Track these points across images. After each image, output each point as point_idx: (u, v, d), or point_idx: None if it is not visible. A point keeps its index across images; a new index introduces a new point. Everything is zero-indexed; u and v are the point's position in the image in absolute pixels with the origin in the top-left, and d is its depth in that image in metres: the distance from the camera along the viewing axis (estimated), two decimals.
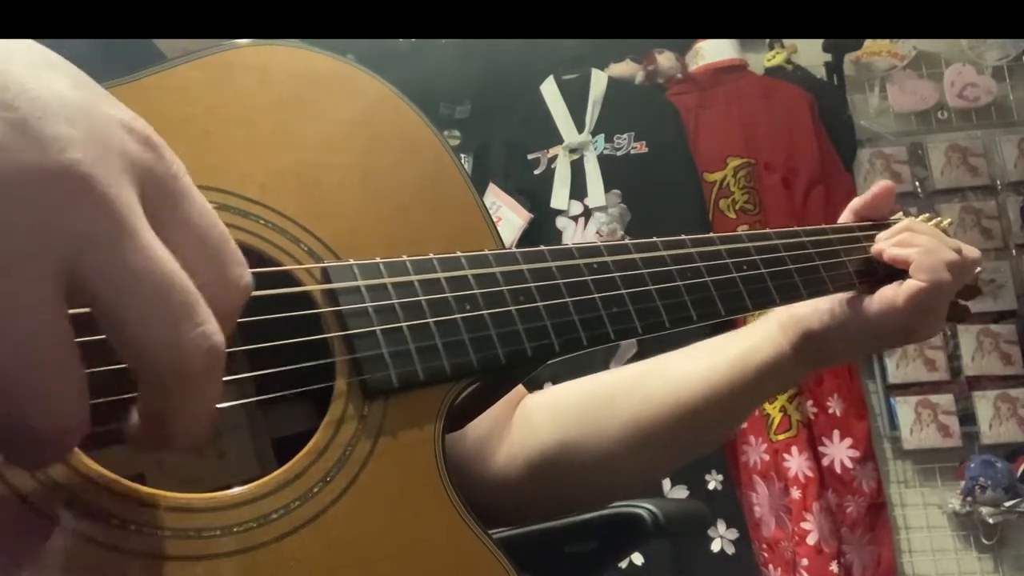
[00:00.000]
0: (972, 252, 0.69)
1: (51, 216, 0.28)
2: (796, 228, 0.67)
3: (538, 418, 0.70)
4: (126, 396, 0.44)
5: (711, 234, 0.62)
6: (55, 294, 0.28)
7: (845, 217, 0.74)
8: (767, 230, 0.66)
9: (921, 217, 0.75)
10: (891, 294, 0.65)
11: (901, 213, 0.75)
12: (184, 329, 0.30)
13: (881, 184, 0.74)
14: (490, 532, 0.46)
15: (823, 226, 0.69)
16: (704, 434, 0.71)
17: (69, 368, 0.29)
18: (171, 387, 0.31)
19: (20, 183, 0.27)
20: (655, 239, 0.59)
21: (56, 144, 0.28)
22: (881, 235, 0.70)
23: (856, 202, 0.74)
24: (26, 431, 0.29)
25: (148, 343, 0.30)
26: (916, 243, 0.66)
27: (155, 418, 0.32)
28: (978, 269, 0.70)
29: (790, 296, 0.64)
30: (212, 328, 0.31)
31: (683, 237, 0.61)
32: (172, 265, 0.30)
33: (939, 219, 0.75)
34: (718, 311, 0.59)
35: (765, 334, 0.68)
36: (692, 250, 0.60)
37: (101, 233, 0.29)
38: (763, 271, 0.63)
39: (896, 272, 0.67)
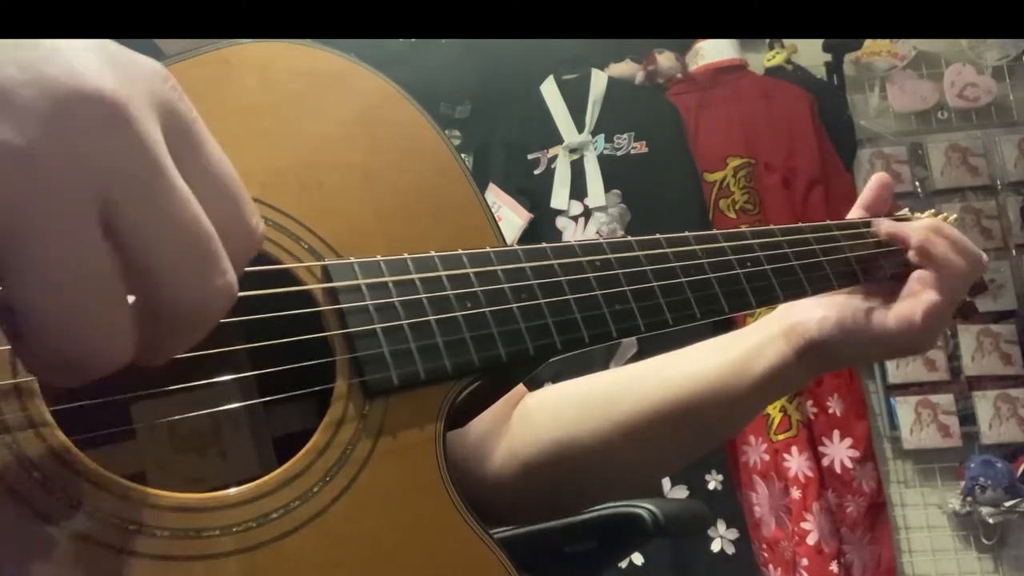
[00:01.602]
0: (979, 255, 0.69)
1: (90, 143, 0.28)
2: (800, 224, 0.67)
3: (537, 417, 0.70)
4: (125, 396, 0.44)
5: (714, 231, 0.62)
6: (93, 221, 0.28)
7: (855, 213, 0.74)
8: (771, 226, 0.65)
9: (926, 213, 0.75)
10: (908, 312, 0.64)
11: (907, 210, 0.75)
12: (209, 277, 0.31)
13: (875, 178, 0.74)
14: (491, 532, 0.46)
15: (827, 222, 0.69)
16: (702, 437, 0.70)
17: (113, 294, 0.29)
18: (185, 325, 0.31)
19: (58, 109, 0.27)
20: (658, 236, 0.59)
21: (89, 72, 0.28)
22: (906, 224, 0.69)
23: (861, 199, 0.74)
24: (69, 357, 0.29)
25: (175, 288, 0.30)
26: (941, 254, 0.66)
27: (152, 341, 0.32)
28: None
29: (794, 292, 0.63)
30: (232, 276, 0.32)
31: (686, 234, 0.60)
32: (199, 209, 0.30)
33: (944, 215, 0.74)
34: (722, 308, 0.59)
35: (768, 339, 0.67)
36: (695, 247, 0.60)
37: (134, 169, 0.29)
38: (767, 267, 0.62)
39: (902, 269, 0.67)
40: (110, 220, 0.28)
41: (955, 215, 0.76)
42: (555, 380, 0.74)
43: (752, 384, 0.66)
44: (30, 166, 0.27)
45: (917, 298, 0.65)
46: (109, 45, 0.30)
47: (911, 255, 0.67)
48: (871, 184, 0.74)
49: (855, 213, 0.74)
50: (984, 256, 0.68)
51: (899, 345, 0.65)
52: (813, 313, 0.66)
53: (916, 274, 0.66)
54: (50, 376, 0.31)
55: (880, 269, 0.68)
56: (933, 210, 0.76)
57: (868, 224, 0.71)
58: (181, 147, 0.31)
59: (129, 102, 0.29)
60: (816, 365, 0.67)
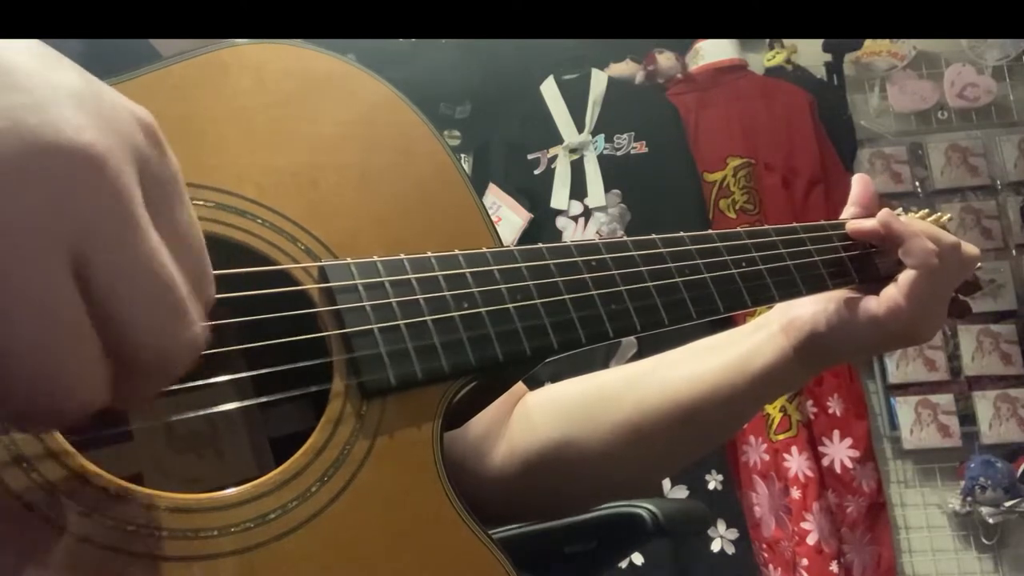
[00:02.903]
0: (970, 248, 0.69)
1: (64, 195, 0.28)
2: (794, 224, 0.67)
3: (537, 416, 0.70)
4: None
5: (710, 231, 0.62)
6: (65, 272, 0.28)
7: (848, 212, 0.74)
8: (766, 227, 0.66)
9: (920, 213, 0.75)
10: (892, 293, 0.65)
11: (900, 209, 0.75)
12: (177, 329, 0.31)
13: (856, 177, 0.73)
14: (490, 532, 0.46)
15: (821, 222, 0.69)
16: (702, 436, 0.70)
17: (86, 343, 0.29)
18: (151, 374, 0.31)
19: (36, 161, 0.28)
20: (654, 236, 0.59)
21: (71, 126, 0.28)
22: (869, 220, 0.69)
23: (852, 197, 0.74)
24: (42, 407, 0.29)
25: (142, 339, 0.30)
26: (904, 228, 0.65)
27: (119, 387, 0.32)
28: (978, 266, 0.70)
29: (789, 292, 0.64)
30: (199, 328, 0.32)
31: (682, 235, 0.60)
32: (171, 263, 0.31)
33: (938, 215, 0.75)
34: (717, 308, 0.59)
35: (767, 336, 0.68)
36: (691, 247, 0.60)
37: (108, 221, 0.29)
38: (762, 267, 0.63)
39: (896, 268, 0.67)
40: (80, 270, 0.29)
41: (948, 215, 0.76)
42: (554, 380, 0.74)
43: (752, 382, 0.66)
44: (2, 214, 0.27)
45: (899, 281, 0.65)
46: (97, 92, 0.30)
47: (899, 252, 0.67)
48: (855, 185, 0.73)
49: (849, 211, 0.74)
50: (968, 246, 0.68)
51: (891, 330, 0.65)
52: (809, 308, 0.67)
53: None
54: (21, 422, 0.31)
55: (874, 268, 0.68)
56: (927, 210, 0.76)
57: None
58: (158, 201, 0.31)
59: (107, 155, 0.29)
60: (815, 360, 0.67)
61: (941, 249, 0.65)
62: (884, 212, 0.68)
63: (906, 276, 0.65)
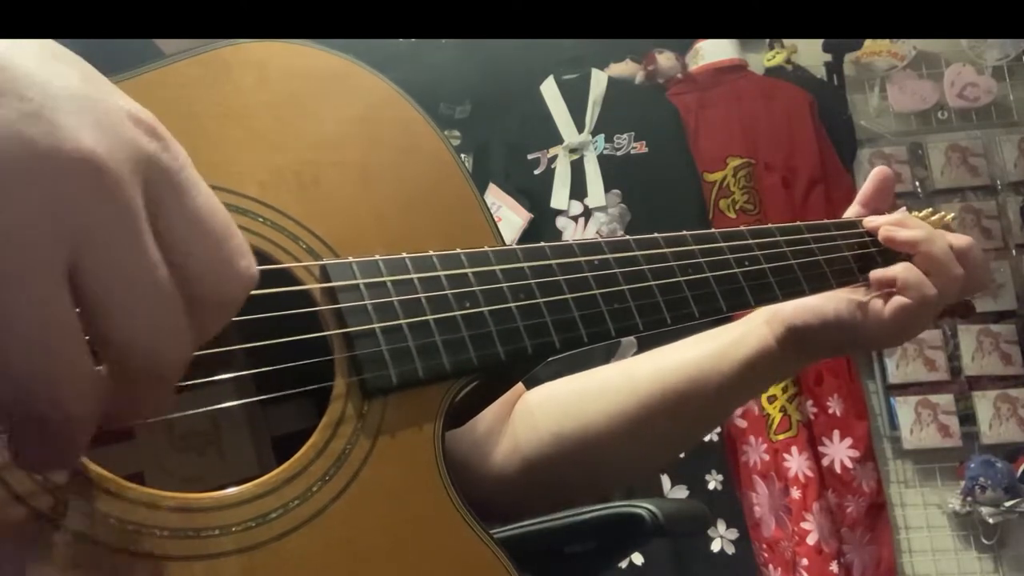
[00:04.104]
0: (971, 245, 0.69)
1: (63, 202, 0.28)
2: (798, 223, 0.67)
3: (537, 412, 0.71)
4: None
5: (713, 230, 0.62)
6: (62, 280, 0.28)
7: (853, 210, 0.74)
8: (769, 226, 0.66)
9: (924, 212, 0.75)
10: (878, 307, 0.66)
11: (904, 208, 0.75)
12: (164, 341, 0.31)
13: (875, 172, 0.74)
14: (490, 531, 0.46)
15: (825, 221, 0.69)
16: (693, 422, 0.72)
17: (77, 354, 0.29)
18: (139, 385, 0.31)
19: (36, 168, 0.28)
20: (656, 235, 0.59)
21: (71, 131, 0.28)
22: (879, 219, 0.70)
23: (861, 195, 0.74)
24: (36, 424, 0.29)
25: (128, 348, 0.30)
26: (925, 252, 0.66)
27: (117, 401, 0.32)
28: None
29: (792, 291, 0.64)
30: (187, 343, 0.32)
31: (684, 233, 0.60)
32: (164, 274, 0.31)
33: (942, 214, 0.74)
34: (720, 307, 0.59)
35: (751, 327, 0.69)
36: (694, 246, 0.60)
37: (105, 230, 0.29)
38: (765, 266, 0.63)
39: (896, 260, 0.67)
40: (75, 277, 0.29)
41: (952, 215, 0.76)
42: (555, 379, 0.74)
43: (736, 369, 0.68)
44: (1, 220, 0.27)
45: (892, 299, 0.65)
46: (96, 93, 0.30)
47: (916, 259, 0.67)
48: (871, 179, 0.74)
49: (853, 210, 0.74)
50: (965, 240, 0.68)
51: (868, 334, 0.66)
52: (792, 302, 0.68)
53: (901, 267, 0.66)
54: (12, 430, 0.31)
55: (877, 267, 0.68)
56: (930, 209, 0.76)
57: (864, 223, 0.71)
58: (166, 198, 0.31)
59: (108, 163, 0.29)
60: (798, 352, 0.69)
61: (951, 278, 0.65)
62: (910, 226, 0.68)
63: (898, 300, 0.65)
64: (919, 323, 0.66)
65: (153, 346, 0.30)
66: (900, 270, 0.65)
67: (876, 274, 0.67)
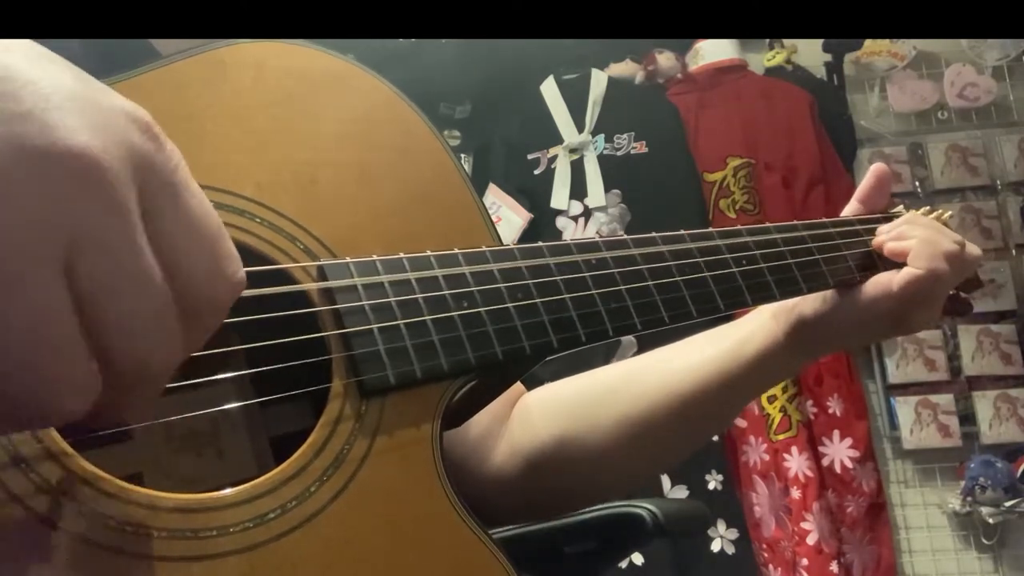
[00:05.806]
0: (973, 248, 0.69)
1: (58, 201, 0.28)
2: (795, 222, 0.67)
3: (537, 413, 0.70)
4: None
5: (710, 229, 0.62)
6: (58, 279, 0.28)
7: (851, 207, 0.74)
8: (767, 224, 0.66)
9: (921, 210, 0.75)
10: (886, 279, 0.65)
11: (901, 207, 0.75)
12: (154, 344, 0.31)
13: (872, 169, 0.74)
14: (490, 532, 0.46)
15: (823, 220, 0.69)
16: (700, 426, 0.71)
17: (73, 352, 0.29)
18: (128, 385, 0.31)
19: (30, 167, 0.27)
20: (654, 235, 0.59)
21: (64, 131, 0.28)
22: (881, 228, 0.70)
23: (859, 192, 0.74)
24: (27, 405, 0.29)
25: (119, 348, 0.30)
26: (914, 234, 0.66)
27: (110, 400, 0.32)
28: (979, 264, 0.70)
29: (790, 291, 0.64)
30: (178, 344, 0.32)
31: (682, 232, 0.60)
32: (158, 274, 0.31)
33: (939, 211, 0.74)
34: (717, 306, 0.59)
35: (758, 323, 0.69)
36: (691, 245, 0.60)
37: (99, 230, 0.29)
38: (762, 265, 0.63)
39: (897, 266, 0.67)
40: (70, 278, 0.29)
41: (950, 212, 0.76)
42: (554, 379, 0.74)
43: (746, 367, 0.67)
44: None
45: (897, 269, 0.66)
46: (91, 93, 0.30)
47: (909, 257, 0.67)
48: (869, 176, 0.74)
49: (851, 207, 0.74)
50: (970, 246, 0.68)
51: (876, 313, 0.66)
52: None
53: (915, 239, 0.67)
54: (7, 421, 0.31)
55: (874, 267, 0.68)
56: (928, 207, 0.76)
57: (864, 223, 0.71)
58: (160, 199, 0.31)
59: (102, 162, 0.29)
60: (805, 346, 0.68)
61: (948, 254, 0.65)
62: (907, 236, 0.68)
63: (907, 271, 0.65)
64: (927, 303, 0.66)
65: (144, 346, 0.31)
66: (913, 241, 0.65)
67: (890, 245, 0.66)
